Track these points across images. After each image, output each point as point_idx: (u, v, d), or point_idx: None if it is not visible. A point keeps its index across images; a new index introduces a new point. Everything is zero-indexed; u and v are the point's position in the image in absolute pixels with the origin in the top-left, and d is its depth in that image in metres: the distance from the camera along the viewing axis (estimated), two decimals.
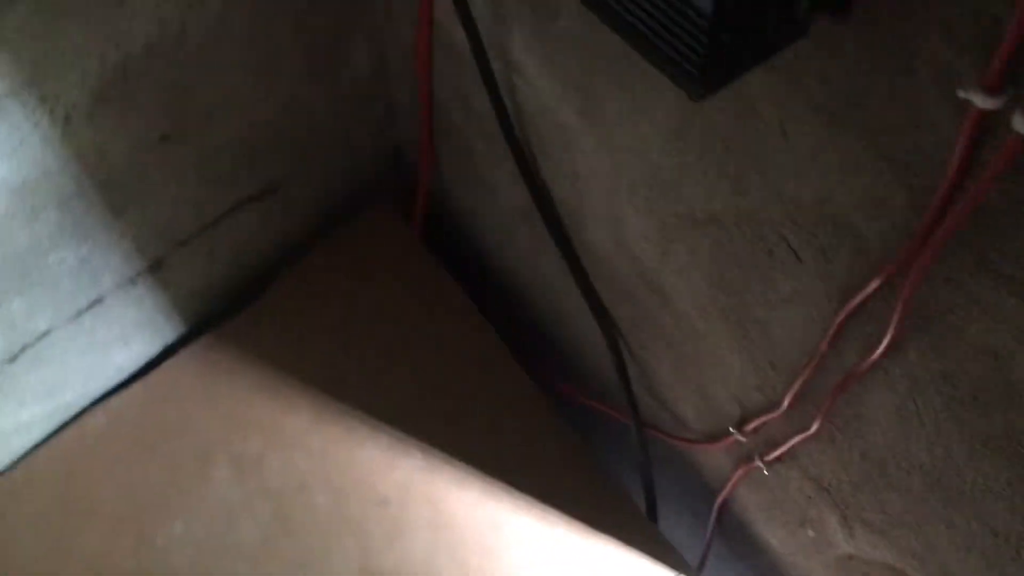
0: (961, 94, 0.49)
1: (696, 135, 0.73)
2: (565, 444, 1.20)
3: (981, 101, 0.48)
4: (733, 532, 1.21)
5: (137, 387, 1.25)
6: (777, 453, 0.94)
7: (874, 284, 0.66)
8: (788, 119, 0.64)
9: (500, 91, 0.95)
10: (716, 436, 1.03)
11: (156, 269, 1.18)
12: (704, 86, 0.52)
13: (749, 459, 1.00)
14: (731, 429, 0.98)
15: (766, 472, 0.99)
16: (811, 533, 1.01)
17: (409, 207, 1.35)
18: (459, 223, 1.36)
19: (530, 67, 0.89)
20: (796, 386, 0.82)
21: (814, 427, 0.84)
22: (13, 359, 1.12)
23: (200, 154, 1.10)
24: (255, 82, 1.08)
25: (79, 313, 1.15)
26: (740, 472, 1.04)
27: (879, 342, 0.69)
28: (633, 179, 0.85)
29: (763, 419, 0.91)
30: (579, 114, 0.86)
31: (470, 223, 1.33)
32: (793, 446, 0.90)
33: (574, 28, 0.79)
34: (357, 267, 1.32)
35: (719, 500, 1.14)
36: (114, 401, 1.24)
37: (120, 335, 1.22)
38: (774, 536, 1.11)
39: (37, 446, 1.21)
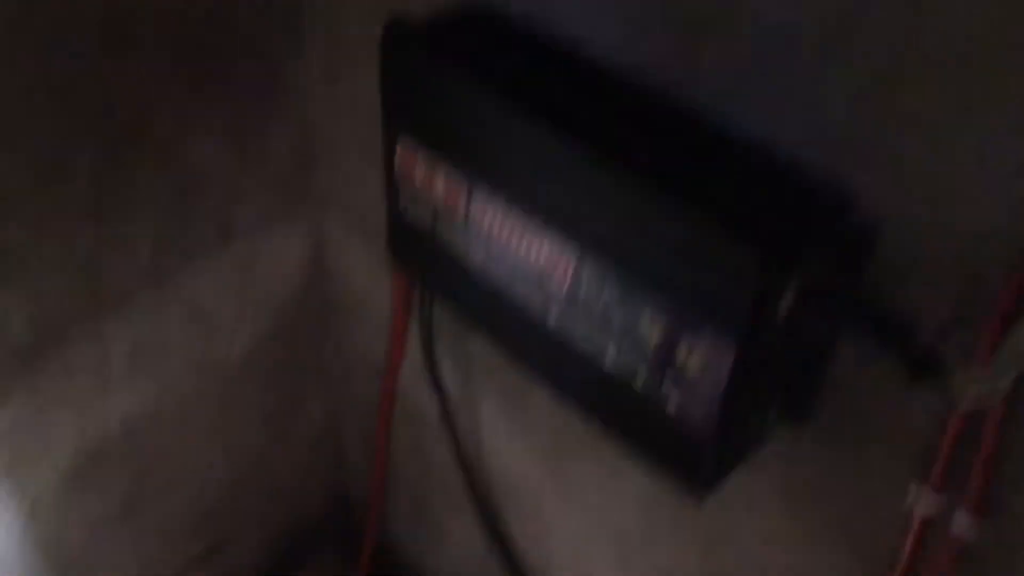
0: (909, 500, 0.59)
1: (667, 505, 0.81)
2: None
3: (924, 504, 0.58)
4: None
5: None
6: None
7: None
8: (753, 500, 0.73)
9: (466, 450, 1.02)
10: None
11: None
12: (703, 492, 0.61)
13: None
14: None
15: None
16: None
17: (355, 554, 1.35)
18: (408, 568, 1.36)
19: (499, 431, 0.97)
20: None
21: None
22: None
23: (157, 521, 1.10)
24: (216, 448, 1.12)
25: None
26: None
27: None
28: (602, 539, 0.92)
29: None
30: (548, 476, 0.94)
31: (419, 568, 1.34)
32: None
33: (544, 403, 0.89)
34: None
35: None
36: None
37: None
38: None
39: None
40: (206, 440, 1.10)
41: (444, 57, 0.64)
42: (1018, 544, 0.57)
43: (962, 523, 0.57)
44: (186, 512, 1.13)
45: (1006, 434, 0.53)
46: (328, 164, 1.01)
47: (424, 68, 0.65)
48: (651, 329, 0.57)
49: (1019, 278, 0.48)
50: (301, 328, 1.14)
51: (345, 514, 1.41)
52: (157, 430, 1.03)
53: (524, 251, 0.63)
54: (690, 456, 0.59)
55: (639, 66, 0.62)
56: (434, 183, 0.68)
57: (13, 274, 0.80)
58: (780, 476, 0.70)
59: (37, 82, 0.74)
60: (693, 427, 0.57)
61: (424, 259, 0.74)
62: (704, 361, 0.54)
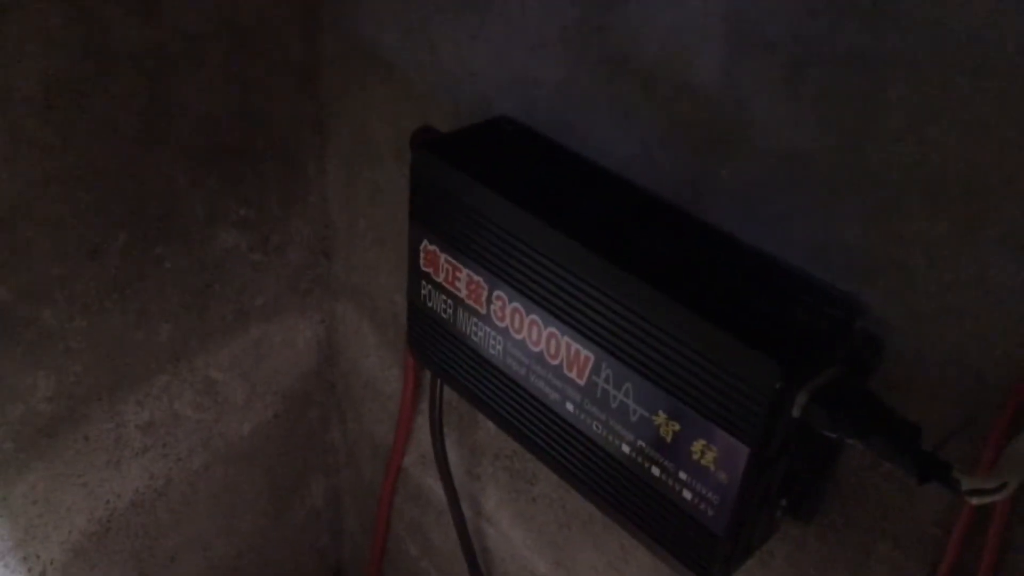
0: None
1: None
2: None
3: None
4: None
5: None
6: None
7: None
8: None
9: (468, 534, 1.04)
10: None
11: None
12: None
13: None
14: None
15: None
16: None
17: None
18: None
19: (503, 519, 0.99)
20: None
21: None
22: None
23: None
24: (221, 525, 1.13)
25: None
26: None
27: None
28: None
29: None
30: (552, 565, 0.95)
31: None
32: None
33: (552, 494, 0.91)
34: None
35: None
36: None
37: None
38: None
39: None
40: (210, 517, 1.10)
41: (469, 164, 0.68)
42: None
43: None
44: None
45: (1010, 535, 0.56)
46: (344, 255, 1.04)
47: (450, 175, 0.68)
48: (668, 426, 0.60)
49: (1020, 388, 0.51)
50: (309, 409, 1.16)
51: None
52: (164, 506, 1.03)
53: (542, 348, 0.66)
54: (703, 547, 0.61)
55: (656, 179, 0.67)
56: (455, 280, 0.72)
57: (42, 351, 0.83)
58: (786, 572, 0.72)
59: (81, 170, 0.78)
60: (708, 519, 0.60)
61: (440, 348, 0.77)
62: (720, 458, 0.57)
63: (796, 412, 0.54)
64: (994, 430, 0.53)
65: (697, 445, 0.58)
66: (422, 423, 1.04)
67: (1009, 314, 0.51)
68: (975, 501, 0.50)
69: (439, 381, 0.95)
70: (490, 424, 0.94)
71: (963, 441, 0.55)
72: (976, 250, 0.51)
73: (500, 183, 0.66)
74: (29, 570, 0.93)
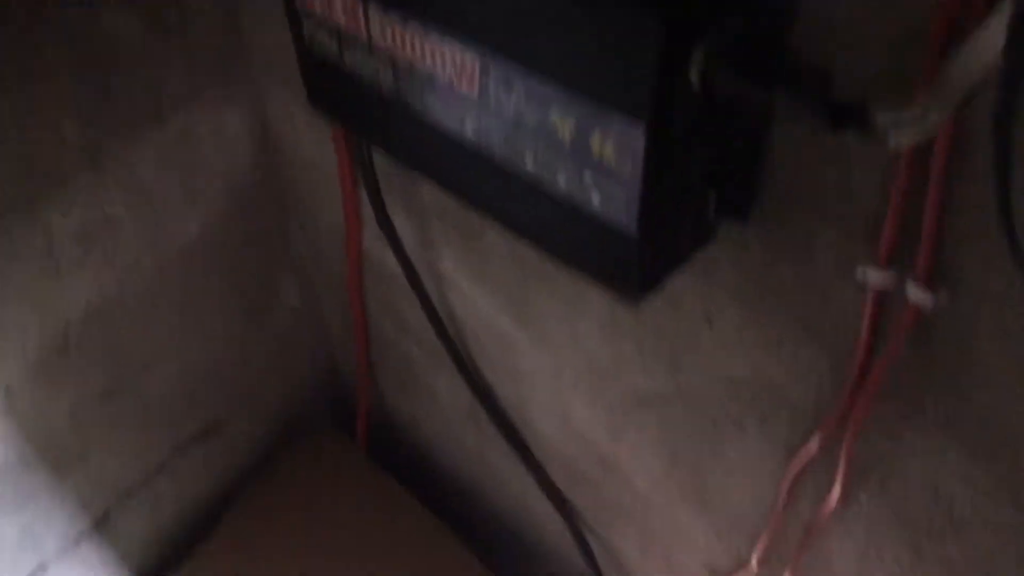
0: (860, 275, 0.56)
1: (628, 327, 0.80)
2: None
3: (877, 278, 0.56)
4: None
5: None
6: None
7: (815, 442, 0.71)
8: (710, 307, 0.71)
9: (434, 305, 1.01)
10: None
11: (102, 525, 1.15)
12: (637, 293, 0.59)
13: None
14: None
15: None
16: None
17: (350, 421, 1.36)
18: (403, 431, 1.38)
19: (462, 282, 0.95)
20: (761, 547, 0.86)
21: None
22: None
23: (142, 403, 1.11)
24: (191, 329, 1.11)
25: None
26: None
27: (831, 492, 0.74)
28: (574, 371, 0.90)
29: None
30: (514, 319, 0.92)
31: (414, 430, 1.35)
32: None
33: (500, 244, 0.86)
34: (306, 491, 1.31)
35: None
36: None
37: None
38: None
39: None
40: (179, 323, 1.09)
41: None
42: (971, 309, 0.55)
43: (915, 291, 0.54)
44: (170, 394, 1.13)
45: (951, 191, 0.50)
46: (257, 29, 0.95)
47: None
48: (563, 124, 0.53)
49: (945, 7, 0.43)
50: (258, 205, 1.11)
51: (337, 387, 1.42)
52: (125, 315, 1.01)
53: (429, 64, 0.59)
54: (621, 254, 0.56)
55: None
56: (331, 8, 0.64)
57: None
58: (733, 280, 0.67)
59: None
60: (619, 222, 0.54)
61: (336, 94, 0.70)
62: (618, 147, 0.51)
63: (694, 77, 0.47)
64: (925, 59, 0.45)
65: (595, 138, 0.52)
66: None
67: None
68: (895, 141, 0.43)
69: (366, 145, 0.88)
70: (428, 183, 0.89)
71: (887, 87, 0.48)
72: None
73: None
74: None
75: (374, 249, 1.07)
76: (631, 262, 0.56)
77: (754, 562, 0.88)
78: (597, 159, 0.53)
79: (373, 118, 0.69)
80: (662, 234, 0.56)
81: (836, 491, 0.73)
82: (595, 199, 0.55)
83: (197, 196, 1.02)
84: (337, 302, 1.24)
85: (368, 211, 1.00)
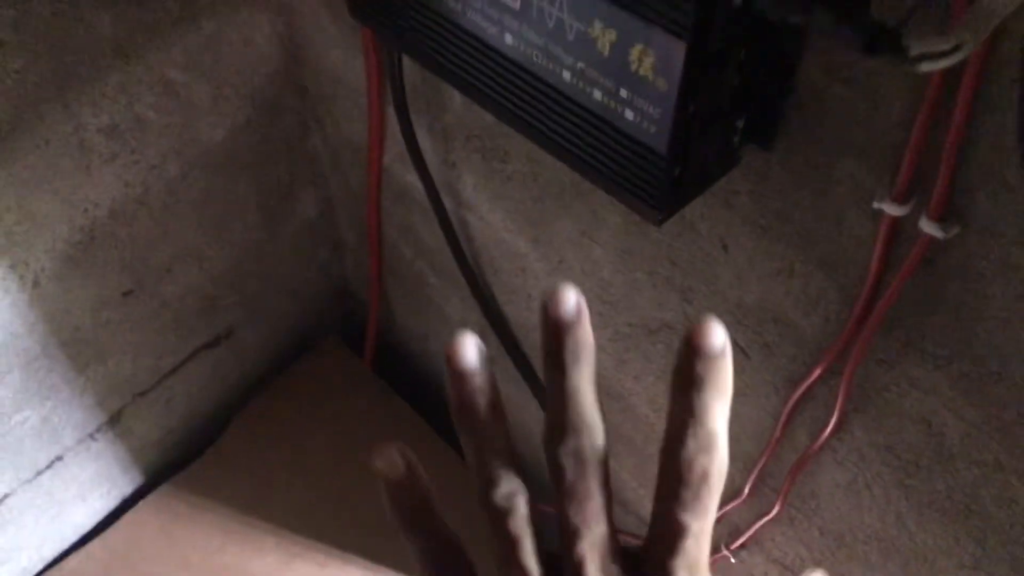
0: (876, 205, 0.58)
1: (643, 254, 0.82)
2: None
3: (892, 209, 0.58)
4: None
5: (95, 546, 1.22)
6: (741, 540, 0.99)
7: (816, 372, 0.74)
8: (726, 234, 0.73)
9: (452, 224, 1.03)
10: None
11: (115, 422, 1.19)
12: (662, 213, 0.61)
13: (716, 550, 1.05)
14: None
15: (732, 560, 1.04)
16: None
17: (359, 339, 1.39)
18: (411, 351, 1.41)
19: (482, 204, 0.97)
20: (754, 474, 0.89)
21: (774, 510, 0.91)
22: None
23: (161, 306, 1.13)
24: (212, 234, 1.14)
25: (38, 473, 1.14)
26: None
27: (827, 423, 0.77)
28: (587, 297, 0.93)
29: (726, 508, 0.97)
30: (531, 242, 0.94)
31: (422, 350, 1.38)
32: (756, 531, 0.96)
33: (523, 169, 0.88)
34: (312, 402, 1.34)
35: None
36: (72, 562, 1.21)
37: (78, 493, 1.21)
38: None
39: None
40: (199, 227, 1.11)
41: None
42: (979, 246, 0.57)
43: (928, 224, 0.56)
44: (188, 297, 1.16)
45: (974, 121, 0.52)
46: None
47: None
48: (604, 37, 0.55)
49: None
50: (283, 113, 1.12)
51: (349, 304, 1.44)
52: (147, 215, 1.03)
53: None
54: (649, 172, 0.58)
55: None
56: None
57: None
58: (750, 208, 0.69)
59: None
60: (650, 139, 0.56)
61: (379, 4, 0.71)
62: (657, 63, 0.52)
63: None
64: None
65: (635, 52, 0.53)
66: (394, 115, 1.00)
67: None
68: (924, 68, 0.45)
69: (397, 60, 0.90)
70: (457, 103, 0.90)
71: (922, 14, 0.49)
72: None
73: None
74: (21, 278, 0.95)
75: (395, 168, 1.08)
76: (659, 180, 0.58)
77: (747, 490, 0.92)
78: (634, 74, 0.54)
79: (412, 28, 0.70)
80: (690, 154, 0.58)
81: (833, 420, 0.76)
82: (629, 115, 0.57)
83: (223, 103, 1.03)
84: (354, 218, 1.26)
85: (391, 129, 1.02)
